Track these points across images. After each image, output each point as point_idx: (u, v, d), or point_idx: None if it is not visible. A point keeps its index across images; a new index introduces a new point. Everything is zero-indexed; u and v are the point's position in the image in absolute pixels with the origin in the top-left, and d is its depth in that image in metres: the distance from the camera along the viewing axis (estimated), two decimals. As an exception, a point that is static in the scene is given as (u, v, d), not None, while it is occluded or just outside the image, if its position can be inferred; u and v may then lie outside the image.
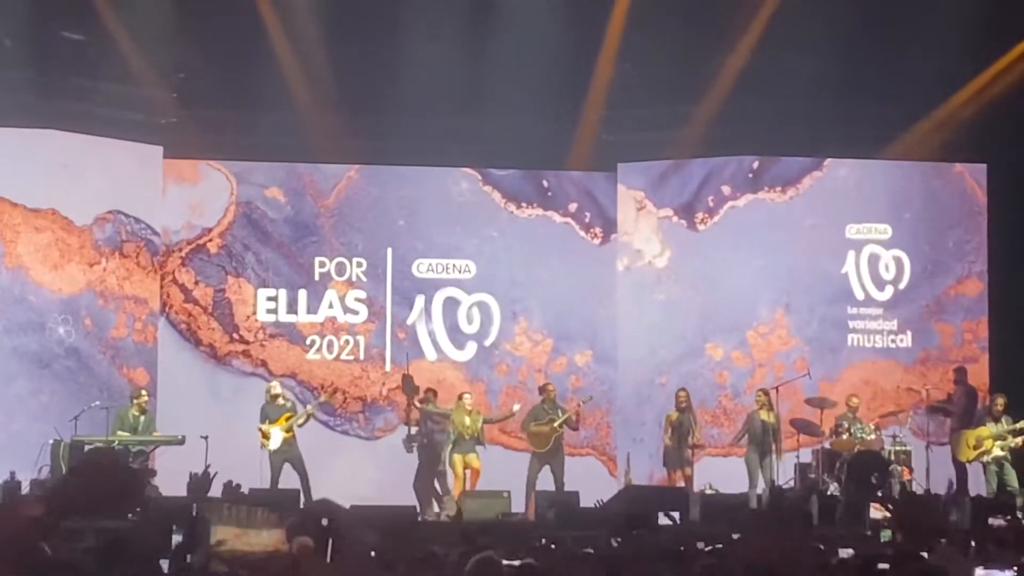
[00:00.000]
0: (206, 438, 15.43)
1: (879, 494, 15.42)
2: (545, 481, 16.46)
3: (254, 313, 17.91)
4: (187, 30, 16.70)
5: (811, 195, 18.24)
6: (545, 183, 18.46)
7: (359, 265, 18.13)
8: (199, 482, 12.89)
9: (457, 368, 18.16)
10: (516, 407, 16.96)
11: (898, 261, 18.15)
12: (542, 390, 16.98)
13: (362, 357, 18.06)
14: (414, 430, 16.67)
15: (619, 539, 10.50)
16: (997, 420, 16.39)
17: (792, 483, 16.46)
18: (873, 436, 16.36)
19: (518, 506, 15.91)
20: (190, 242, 17.89)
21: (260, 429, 16.16)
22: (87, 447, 15.48)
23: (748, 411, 16.93)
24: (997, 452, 16.28)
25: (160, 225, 17.74)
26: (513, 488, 15.80)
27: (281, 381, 17.32)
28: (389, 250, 18.15)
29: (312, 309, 18.02)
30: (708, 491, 16.16)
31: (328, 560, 7.72)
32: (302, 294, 18.01)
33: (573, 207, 18.44)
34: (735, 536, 11.33)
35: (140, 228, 17.64)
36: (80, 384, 17.03)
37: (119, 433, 15.85)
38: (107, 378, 17.21)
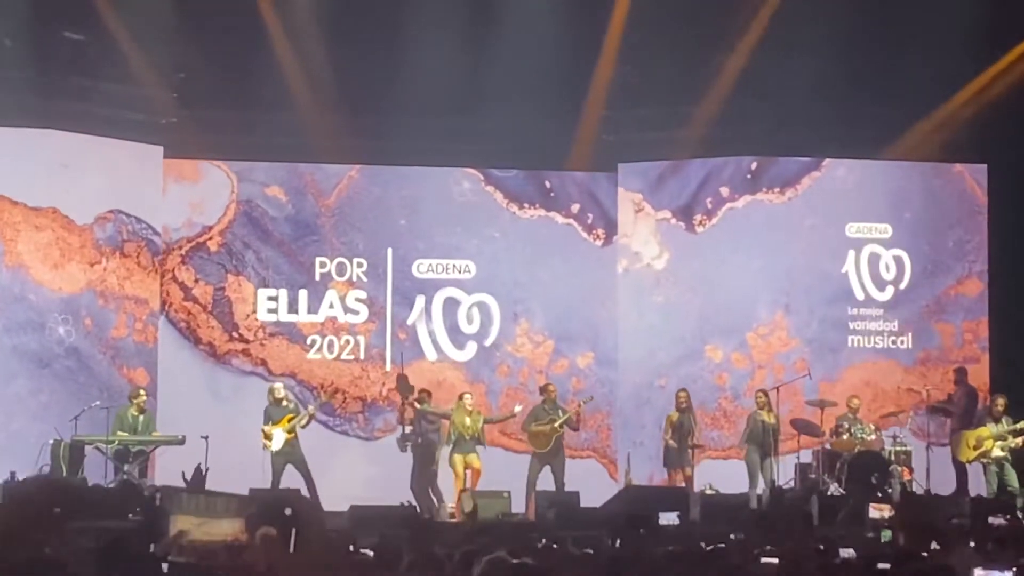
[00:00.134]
0: (206, 438, 15.43)
1: (879, 494, 15.44)
2: (545, 482, 16.45)
3: (254, 312, 17.91)
4: (187, 30, 16.70)
5: (810, 196, 18.24)
6: (547, 184, 18.45)
7: (359, 265, 18.12)
8: (195, 480, 12.87)
9: (458, 369, 18.15)
10: (517, 408, 16.96)
11: (899, 261, 18.14)
12: (543, 390, 16.98)
13: (362, 357, 18.05)
14: (408, 430, 16.65)
15: (620, 540, 10.52)
16: (997, 420, 16.40)
17: (792, 483, 16.47)
18: (873, 436, 16.37)
19: (518, 506, 15.92)
20: (190, 240, 17.88)
21: (263, 430, 16.16)
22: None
23: (749, 413, 16.92)
24: (997, 452, 16.29)
25: (160, 223, 17.74)
26: (513, 489, 15.81)
27: (281, 381, 17.32)
28: (389, 250, 18.14)
29: (313, 309, 18.01)
30: (708, 491, 16.17)
31: (292, 549, 7.73)
32: (303, 294, 18.00)
33: (575, 208, 18.43)
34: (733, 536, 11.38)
35: (141, 228, 17.63)
36: (80, 384, 17.01)
37: (119, 433, 15.86)
38: (107, 378, 17.19)
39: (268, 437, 16.10)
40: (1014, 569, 8.17)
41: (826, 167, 18.27)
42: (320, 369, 17.94)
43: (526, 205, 18.38)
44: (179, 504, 9.93)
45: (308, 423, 16.40)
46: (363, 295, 18.11)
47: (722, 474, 16.89)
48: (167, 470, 15.65)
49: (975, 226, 18.23)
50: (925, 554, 9.39)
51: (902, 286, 18.13)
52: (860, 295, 18.09)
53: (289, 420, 16.18)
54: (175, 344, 17.77)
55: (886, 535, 11.78)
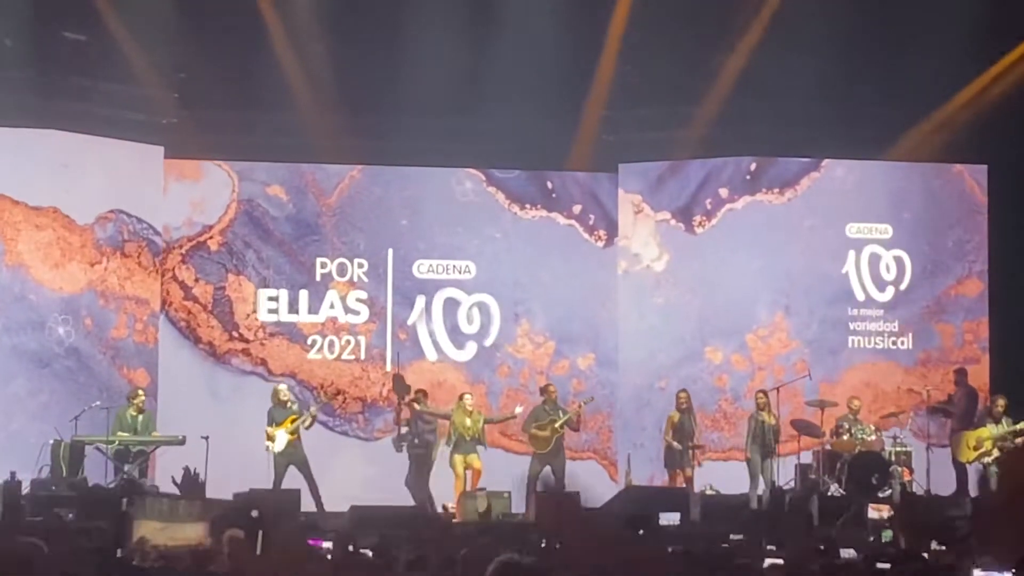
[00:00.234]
0: (206, 438, 15.41)
1: (879, 495, 15.45)
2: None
3: (254, 311, 17.90)
4: (188, 30, 16.69)
5: (809, 196, 18.22)
6: (549, 184, 18.43)
7: (360, 266, 18.11)
8: (186, 483, 12.85)
9: (458, 369, 18.13)
10: (518, 410, 16.94)
11: (899, 261, 18.13)
12: (543, 391, 16.98)
13: (363, 357, 18.04)
14: (404, 430, 16.63)
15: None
16: (998, 421, 16.38)
17: (792, 484, 16.48)
18: (873, 437, 16.37)
19: (518, 506, 15.91)
20: (191, 239, 17.85)
21: (266, 431, 16.15)
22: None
23: (749, 414, 16.91)
24: (997, 453, 16.27)
25: (161, 222, 17.73)
26: (513, 490, 15.80)
27: (280, 381, 17.32)
28: (390, 251, 18.13)
29: (313, 309, 18.00)
30: (708, 492, 16.17)
31: (259, 551, 7.73)
32: (303, 294, 17.99)
33: (577, 209, 18.41)
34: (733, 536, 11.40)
35: (142, 228, 17.61)
36: (80, 384, 16.98)
37: (119, 434, 15.84)
38: (107, 378, 17.16)
39: (271, 438, 16.09)
40: (1013, 570, 8.17)
41: (825, 167, 18.26)
42: (320, 369, 17.93)
43: (528, 206, 18.36)
44: (142, 509, 9.94)
45: (311, 424, 16.40)
46: (364, 295, 18.09)
47: (722, 475, 16.88)
48: (167, 470, 15.62)
49: (975, 226, 18.22)
50: (925, 555, 9.40)
51: (902, 286, 18.12)
52: (860, 296, 18.08)
53: (292, 421, 16.17)
54: (175, 343, 17.75)
55: (887, 535, 11.79)
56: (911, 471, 16.48)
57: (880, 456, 16.25)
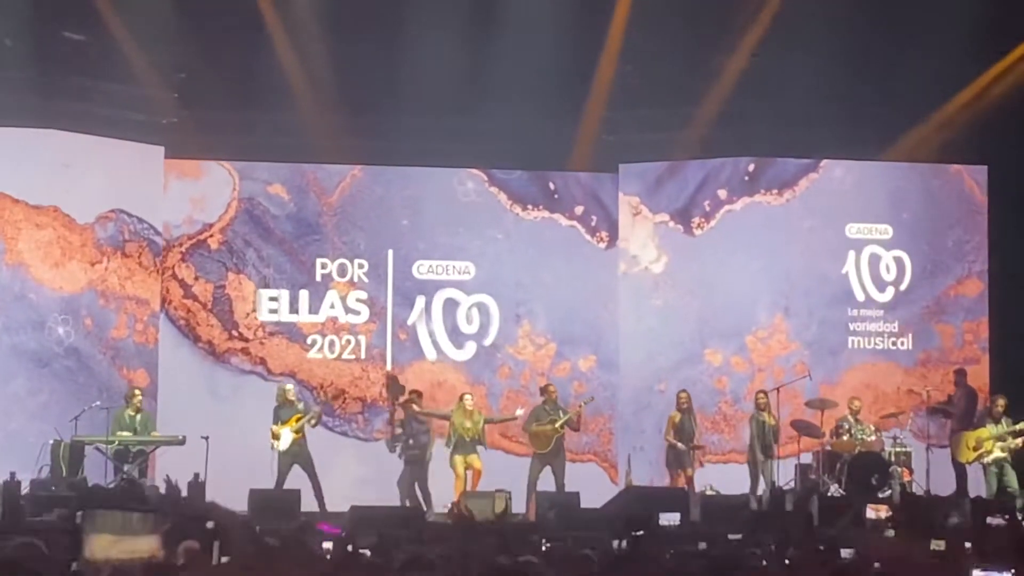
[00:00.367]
0: (207, 438, 15.40)
1: (879, 495, 15.46)
2: (546, 483, 16.44)
3: (254, 310, 17.89)
4: (188, 30, 16.70)
5: (808, 197, 18.20)
6: (551, 185, 18.41)
7: (360, 266, 18.10)
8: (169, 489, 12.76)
9: (458, 370, 18.12)
10: (519, 412, 16.92)
11: (899, 261, 18.13)
12: (543, 391, 16.97)
13: (363, 357, 18.03)
14: (398, 431, 16.61)
15: (625, 542, 10.50)
16: (997, 421, 16.39)
17: (792, 484, 16.48)
18: (873, 437, 16.38)
19: (519, 507, 15.90)
20: (191, 237, 17.82)
21: (271, 430, 16.15)
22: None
23: (749, 415, 16.91)
24: (997, 453, 16.28)
25: (161, 220, 17.71)
26: (513, 491, 15.79)
27: (279, 380, 17.32)
28: (391, 251, 18.11)
29: (314, 309, 17.99)
30: (709, 492, 16.17)
31: (215, 562, 7.71)
32: (303, 294, 17.97)
33: (579, 210, 18.38)
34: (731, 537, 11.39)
35: (143, 228, 17.59)
36: (80, 384, 16.96)
37: (119, 434, 15.83)
38: (107, 379, 17.13)
39: (276, 437, 16.09)
40: (1013, 570, 8.18)
41: (824, 168, 18.25)
42: (320, 369, 17.92)
43: (530, 206, 18.34)
44: (94, 523, 9.92)
45: (317, 423, 16.42)
46: (364, 295, 18.09)
47: (722, 478, 16.84)
48: (167, 470, 15.63)
49: (974, 226, 18.21)
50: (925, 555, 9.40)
51: (902, 287, 18.11)
52: (860, 296, 18.08)
53: (297, 420, 16.18)
54: (174, 342, 17.72)
55: (889, 535, 11.79)
56: (911, 471, 16.49)
57: (880, 457, 16.25)
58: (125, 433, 15.86)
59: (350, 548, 9.47)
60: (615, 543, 11.06)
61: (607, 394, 18.12)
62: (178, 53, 16.99)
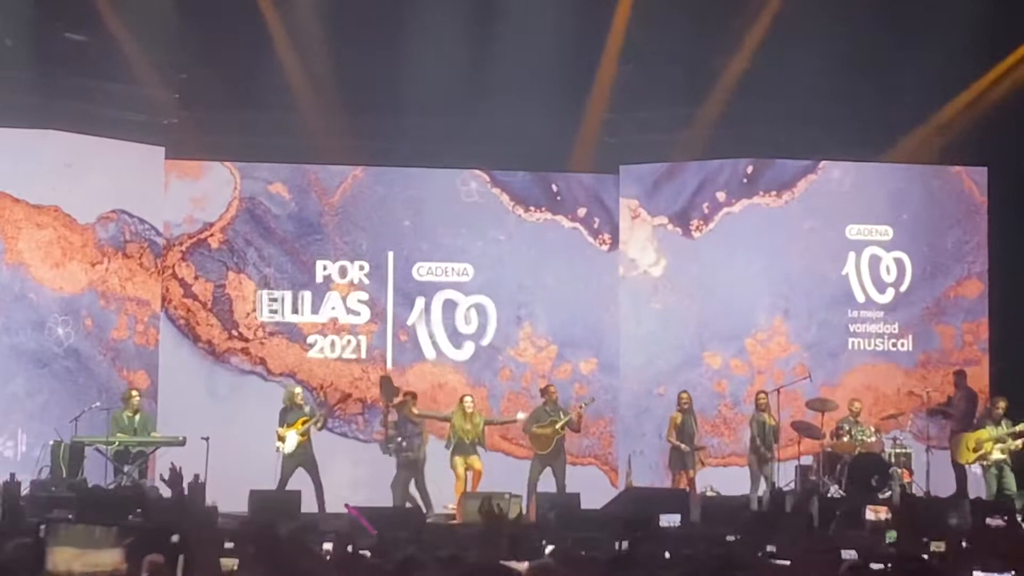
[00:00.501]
0: (207, 439, 15.38)
1: (879, 496, 15.46)
2: (546, 484, 16.44)
3: (254, 310, 17.88)
4: (189, 30, 16.71)
5: (807, 198, 18.20)
6: (554, 187, 18.38)
7: (361, 268, 18.09)
8: (173, 479, 12.86)
9: (459, 372, 18.11)
10: (520, 416, 16.91)
11: (899, 263, 18.12)
12: (544, 392, 16.97)
13: (364, 357, 18.01)
14: (392, 432, 16.59)
15: (626, 543, 10.50)
16: (998, 423, 16.37)
17: (793, 485, 16.49)
18: (873, 439, 16.38)
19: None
20: (191, 236, 17.81)
21: (277, 432, 16.14)
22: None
23: (749, 417, 16.90)
24: (997, 455, 16.27)
25: (161, 219, 17.70)
26: (513, 492, 15.77)
27: (279, 380, 17.31)
28: (391, 253, 18.10)
29: (315, 309, 17.98)
30: (709, 493, 16.17)
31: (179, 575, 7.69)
32: (305, 295, 17.95)
33: (582, 212, 18.37)
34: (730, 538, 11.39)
35: (144, 229, 17.58)
36: (79, 385, 16.94)
37: (119, 435, 15.81)
38: (107, 380, 17.10)
39: (281, 439, 16.08)
40: (1013, 572, 8.18)
41: (823, 169, 18.25)
42: (320, 369, 17.90)
43: (532, 208, 18.33)
44: (56, 536, 9.86)
45: (323, 426, 16.43)
46: (365, 296, 18.08)
47: (723, 481, 16.78)
48: (166, 471, 15.59)
49: (974, 226, 18.21)
50: (925, 556, 9.40)
51: (903, 288, 18.11)
52: (861, 297, 18.08)
53: (303, 423, 16.18)
54: (173, 342, 17.70)
55: (891, 536, 11.79)
56: (911, 472, 16.49)
57: (880, 458, 16.26)
58: (124, 435, 15.82)
59: (350, 549, 9.47)
60: (616, 544, 11.06)
61: (608, 397, 18.10)
62: (179, 54, 17.00)
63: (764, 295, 18.11)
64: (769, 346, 18.01)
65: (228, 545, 10.97)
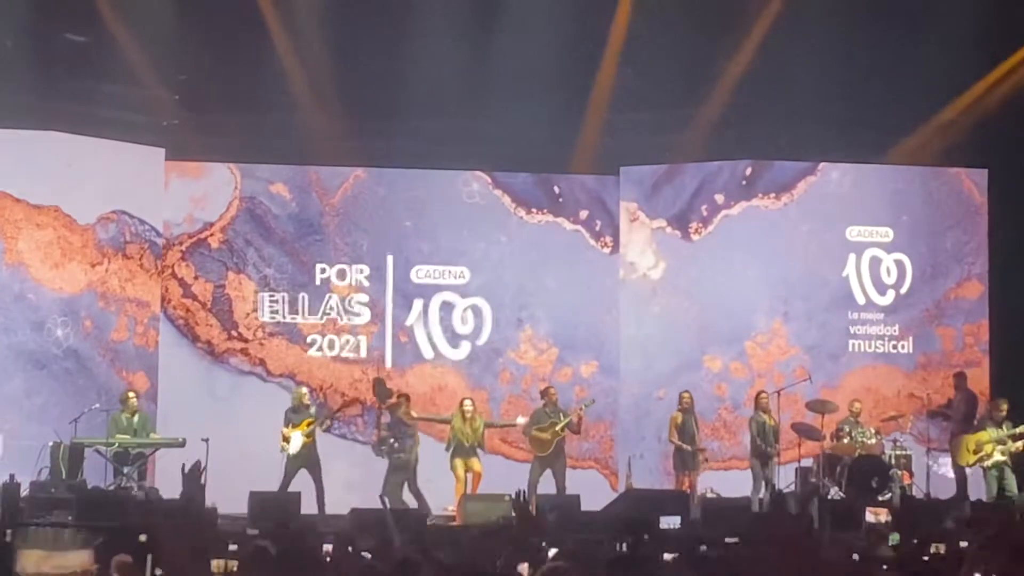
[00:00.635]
0: (207, 441, 15.36)
1: (879, 498, 15.45)
2: (546, 485, 16.42)
3: (254, 310, 17.86)
4: (189, 32, 16.70)
5: (806, 200, 18.18)
6: (556, 189, 18.36)
7: (361, 271, 18.07)
8: (191, 475, 12.83)
9: (459, 374, 18.09)
10: (519, 420, 16.89)
11: (899, 264, 18.11)
12: (544, 393, 16.95)
13: (363, 355, 17.98)
14: (384, 434, 16.57)
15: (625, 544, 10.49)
16: (999, 425, 16.35)
17: (793, 487, 16.48)
18: (874, 440, 16.37)
19: (518, 510, 15.84)
20: (191, 236, 17.78)
21: (281, 432, 16.14)
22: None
23: (749, 418, 16.89)
24: (997, 457, 16.25)
25: (161, 219, 17.67)
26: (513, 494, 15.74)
27: (279, 381, 17.29)
28: (390, 257, 18.07)
29: (314, 310, 17.97)
30: (709, 495, 16.15)
31: (148, 574, 7.68)
32: (304, 297, 17.94)
33: (584, 215, 18.34)
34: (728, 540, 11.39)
35: (144, 230, 17.56)
36: (78, 386, 16.90)
37: (117, 436, 15.79)
38: (106, 381, 17.07)
39: (286, 440, 16.08)
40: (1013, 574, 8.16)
41: (821, 171, 18.23)
42: (320, 371, 17.88)
43: (534, 210, 18.31)
44: (25, 538, 9.87)
45: (330, 426, 16.43)
46: (365, 298, 18.07)
47: (723, 485, 16.72)
48: (166, 472, 15.61)
49: (973, 227, 18.20)
50: (926, 558, 9.40)
51: (903, 290, 18.10)
52: (861, 299, 18.06)
53: (308, 424, 16.17)
54: (173, 342, 17.67)
55: (894, 538, 11.78)
56: (910, 474, 16.48)
57: (880, 459, 16.25)
58: (123, 436, 15.80)
59: (350, 550, 9.46)
60: (618, 545, 11.05)
61: (609, 400, 18.08)
62: (179, 55, 16.97)
63: (763, 298, 18.10)
64: (769, 349, 18.00)
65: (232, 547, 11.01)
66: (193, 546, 8.25)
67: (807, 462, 16.72)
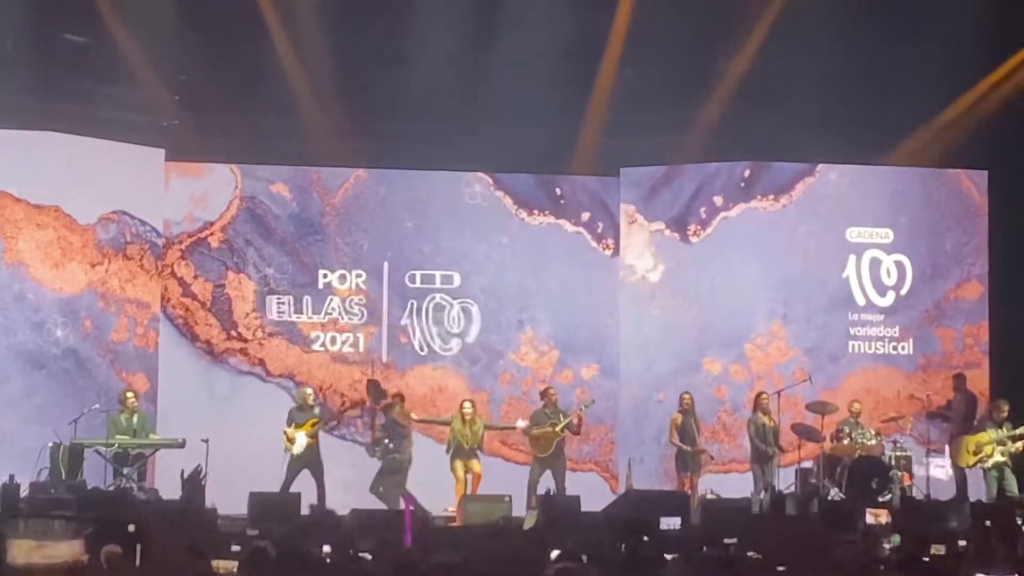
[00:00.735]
0: (207, 441, 15.36)
1: (879, 499, 15.45)
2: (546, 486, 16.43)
3: (254, 310, 17.85)
4: (189, 32, 16.69)
5: (805, 201, 18.17)
6: (558, 190, 18.35)
7: (359, 276, 18.05)
8: (191, 479, 12.83)
9: (459, 376, 18.09)
10: (519, 424, 16.89)
11: (899, 265, 18.11)
12: (543, 394, 16.96)
13: (361, 349, 17.96)
14: (379, 435, 16.57)
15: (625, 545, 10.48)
16: (999, 426, 16.35)
17: (793, 488, 16.48)
18: (874, 441, 16.37)
19: (519, 511, 15.86)
20: (191, 235, 17.77)
21: (285, 432, 16.13)
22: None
23: (748, 420, 16.89)
24: (997, 458, 16.24)
25: (161, 218, 17.65)
26: (513, 498, 15.73)
27: (278, 382, 17.29)
28: (391, 256, 18.05)
29: (316, 310, 17.96)
30: (709, 496, 16.14)
31: (138, 564, 7.69)
32: (306, 300, 17.92)
33: (585, 216, 18.33)
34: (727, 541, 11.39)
35: (145, 230, 17.55)
36: (77, 387, 16.88)
37: (117, 437, 15.78)
38: (105, 382, 17.04)
39: (291, 440, 16.07)
40: (1015, 575, 8.18)
41: (820, 172, 18.23)
42: (320, 372, 17.87)
43: (535, 211, 18.31)
44: (15, 529, 9.89)
45: (335, 427, 16.44)
46: (364, 300, 18.06)
47: (724, 488, 16.70)
48: (166, 473, 15.62)
49: (973, 228, 18.20)
50: (926, 559, 9.40)
51: (903, 291, 18.10)
52: (861, 301, 18.06)
53: (313, 425, 16.17)
54: (172, 341, 17.65)
55: (895, 540, 11.80)
56: (910, 475, 16.48)
57: (880, 460, 16.25)
58: (123, 437, 15.80)
59: (351, 551, 9.46)
60: (618, 546, 11.03)
61: (609, 403, 18.07)
62: (179, 55, 16.97)
63: (762, 300, 18.09)
64: (768, 351, 17.99)
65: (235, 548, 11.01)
66: (191, 547, 8.25)
67: (807, 463, 16.72)
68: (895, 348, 18.05)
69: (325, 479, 16.22)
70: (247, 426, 16.81)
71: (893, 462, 16.30)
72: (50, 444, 15.54)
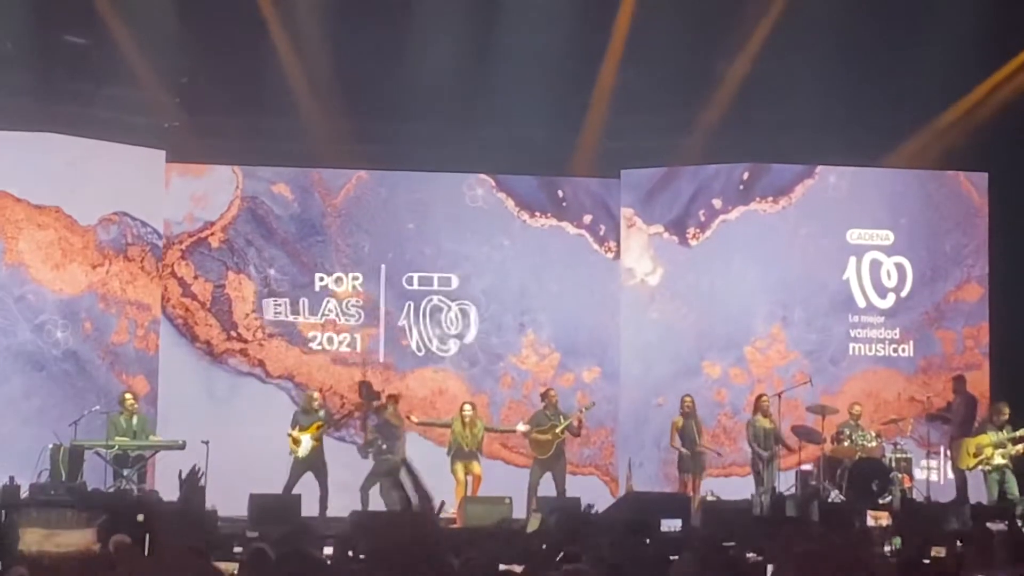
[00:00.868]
0: (207, 443, 15.34)
1: (880, 501, 15.45)
2: (546, 488, 16.42)
3: (254, 311, 17.84)
4: (190, 34, 16.69)
5: (804, 203, 18.16)
6: (560, 193, 18.35)
7: (356, 278, 18.04)
8: (189, 479, 12.84)
9: (460, 378, 18.08)
10: (520, 427, 16.88)
11: (900, 267, 18.10)
12: (544, 396, 16.97)
13: (359, 350, 17.95)
14: (372, 436, 16.56)
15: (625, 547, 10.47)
16: (1000, 428, 16.34)
17: (793, 490, 16.47)
18: (874, 443, 16.36)
19: (519, 513, 15.86)
20: (191, 235, 17.77)
21: (290, 435, 16.12)
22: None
23: (747, 422, 16.88)
24: (998, 460, 16.24)
25: (161, 218, 17.64)
26: (513, 500, 15.74)
27: (278, 382, 17.29)
28: (391, 257, 18.05)
29: (313, 312, 17.96)
30: (710, 498, 16.14)
31: (147, 554, 7.69)
32: (304, 302, 17.92)
33: (587, 219, 18.33)
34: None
35: (147, 232, 17.54)
36: (77, 389, 16.87)
37: (117, 439, 15.77)
38: (105, 384, 17.02)
39: (296, 442, 16.07)
40: (1014, 576, 8.16)
41: (820, 174, 18.23)
42: (319, 373, 17.86)
43: (537, 214, 18.30)
44: (27, 517, 9.87)
45: (340, 428, 16.44)
46: (360, 302, 18.06)
47: (724, 491, 16.68)
48: (166, 474, 15.59)
49: (972, 230, 18.19)
50: (926, 561, 9.39)
51: (903, 293, 18.09)
52: (861, 303, 18.05)
53: (318, 428, 16.16)
54: (172, 341, 17.64)
55: (896, 543, 11.79)
56: (911, 478, 16.47)
57: (880, 462, 16.24)
58: (123, 438, 15.79)
59: (351, 553, 9.45)
60: (618, 548, 11.01)
61: (610, 407, 18.06)
62: (180, 57, 16.97)
63: (762, 303, 18.08)
64: (768, 354, 17.98)
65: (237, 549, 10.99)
66: (190, 547, 8.25)
67: (807, 465, 16.71)
68: (895, 350, 18.05)
69: (333, 479, 16.22)
70: (247, 427, 16.79)
71: (893, 464, 16.29)
72: (50, 446, 15.51)
